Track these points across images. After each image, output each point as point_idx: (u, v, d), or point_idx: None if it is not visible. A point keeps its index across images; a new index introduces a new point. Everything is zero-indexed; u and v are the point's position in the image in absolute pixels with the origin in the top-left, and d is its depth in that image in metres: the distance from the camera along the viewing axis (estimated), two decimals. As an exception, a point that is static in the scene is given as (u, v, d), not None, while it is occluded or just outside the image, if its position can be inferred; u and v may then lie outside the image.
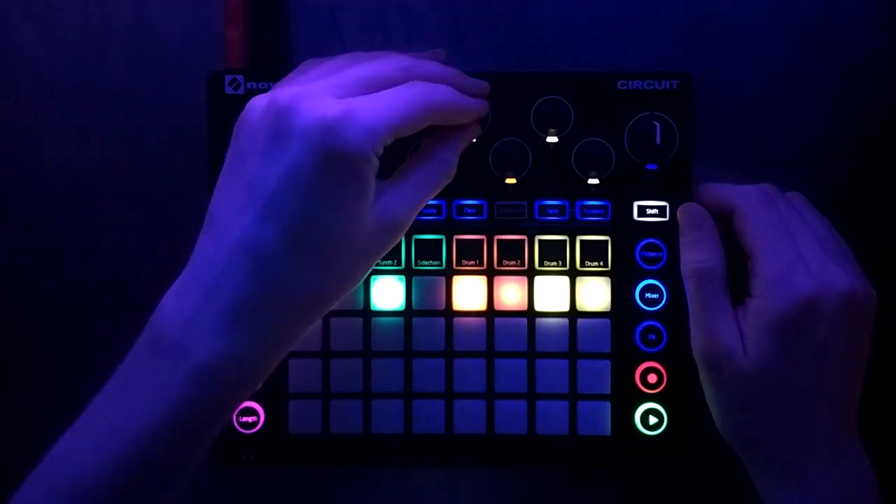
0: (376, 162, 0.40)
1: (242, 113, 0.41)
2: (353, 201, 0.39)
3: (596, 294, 0.49)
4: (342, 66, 0.43)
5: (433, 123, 0.42)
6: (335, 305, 0.41)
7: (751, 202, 0.46)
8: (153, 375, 0.38)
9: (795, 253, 0.44)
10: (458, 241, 0.49)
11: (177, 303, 0.39)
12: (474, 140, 0.47)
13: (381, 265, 0.49)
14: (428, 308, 0.49)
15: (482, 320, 0.49)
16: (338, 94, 0.40)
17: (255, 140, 0.40)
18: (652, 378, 0.49)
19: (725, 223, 0.47)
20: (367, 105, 0.39)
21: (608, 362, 0.49)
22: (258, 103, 0.40)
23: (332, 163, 0.38)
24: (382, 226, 0.41)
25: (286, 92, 0.40)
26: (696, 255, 0.46)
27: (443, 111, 0.42)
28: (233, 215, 0.39)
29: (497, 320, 0.49)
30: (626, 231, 0.49)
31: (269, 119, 0.39)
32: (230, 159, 0.41)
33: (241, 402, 0.41)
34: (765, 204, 0.46)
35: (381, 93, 0.40)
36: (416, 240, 0.49)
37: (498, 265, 0.49)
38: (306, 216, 0.38)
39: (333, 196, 0.39)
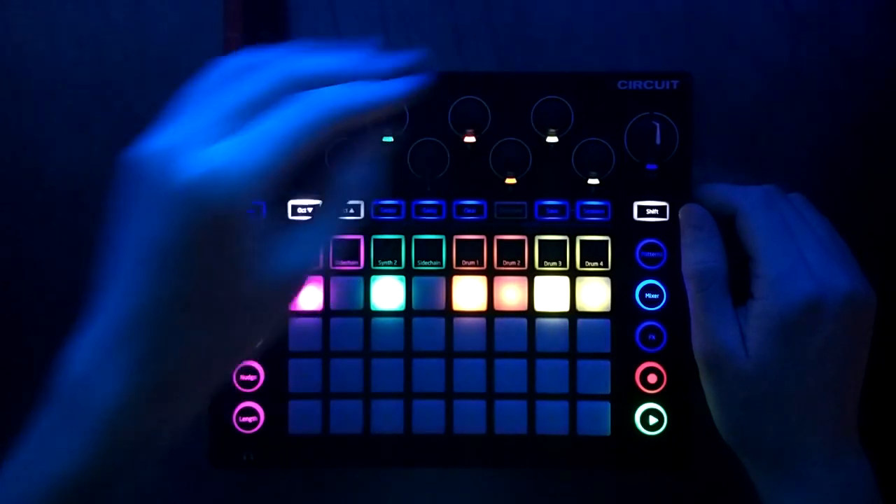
0: (258, 216, 0.37)
1: (120, 165, 0.38)
2: (233, 263, 0.36)
3: (596, 294, 0.49)
4: (221, 88, 0.38)
5: (342, 132, 0.37)
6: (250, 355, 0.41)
7: (753, 203, 0.46)
8: (54, 433, 0.37)
9: (797, 254, 0.44)
10: (458, 241, 0.49)
11: (79, 359, 0.37)
12: (391, 139, 0.47)
13: (381, 265, 0.49)
14: (428, 308, 0.49)
15: (482, 320, 0.49)
16: (208, 136, 0.35)
17: (128, 203, 0.37)
18: (652, 378, 0.49)
19: (727, 224, 0.47)
20: (235, 155, 0.35)
21: (608, 362, 0.49)
22: (129, 159, 0.37)
23: (201, 229, 0.35)
24: (276, 283, 0.38)
25: (151, 149, 0.36)
26: (698, 255, 0.46)
27: (344, 120, 0.36)
28: (118, 277, 0.37)
29: (497, 320, 0.49)
30: (626, 231, 0.49)
31: (135, 183, 0.36)
32: (113, 216, 0.38)
33: (153, 460, 0.39)
34: (767, 205, 0.46)
35: (256, 130, 0.35)
36: (416, 240, 0.49)
37: (498, 265, 0.49)
38: (186, 281, 0.36)
39: (209, 261, 0.36)
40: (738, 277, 0.46)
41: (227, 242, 0.35)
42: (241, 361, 0.41)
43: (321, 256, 0.43)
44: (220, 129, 0.36)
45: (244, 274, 0.37)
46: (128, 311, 0.36)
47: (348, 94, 0.37)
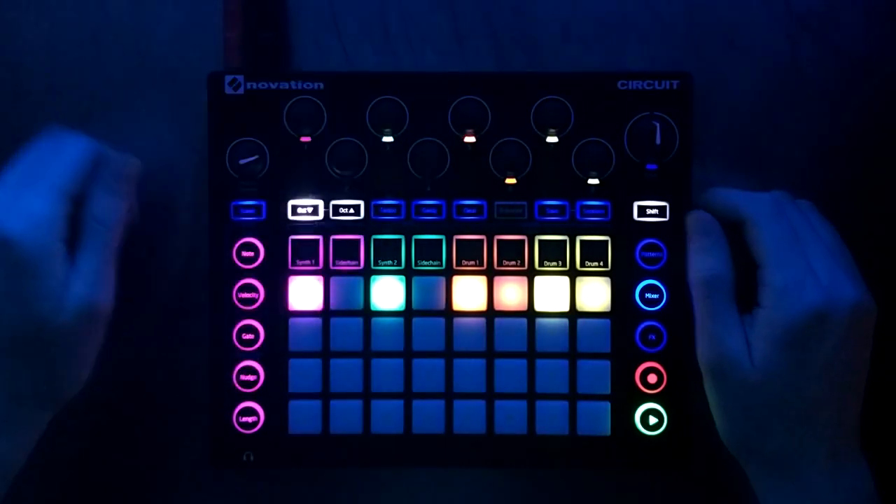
0: (58, 248, 0.43)
1: None
2: (32, 301, 0.42)
3: (596, 294, 0.49)
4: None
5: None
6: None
7: (762, 212, 0.46)
8: None
9: (805, 264, 0.44)
10: (458, 241, 0.49)
11: None
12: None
13: (381, 265, 0.49)
14: (428, 308, 0.49)
15: (482, 320, 0.49)
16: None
17: None
18: (652, 378, 0.49)
19: (735, 230, 0.47)
20: (28, 193, 0.42)
21: (608, 362, 0.49)
22: None
23: (14, 268, 0.42)
24: (75, 317, 0.43)
25: None
26: (705, 262, 0.46)
27: (83, 170, 0.45)
28: None
29: (497, 320, 0.49)
30: (626, 231, 0.49)
31: None
32: None
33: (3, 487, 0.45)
34: (776, 213, 0.46)
35: (27, 189, 0.43)
36: (416, 240, 0.49)
37: (498, 265, 0.49)
38: (3, 324, 0.42)
39: (22, 299, 0.42)
40: (745, 285, 0.46)
41: (30, 281, 0.42)
42: (66, 398, 0.46)
43: (111, 288, 0.46)
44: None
45: (44, 310, 0.42)
46: None
47: (77, 146, 0.46)
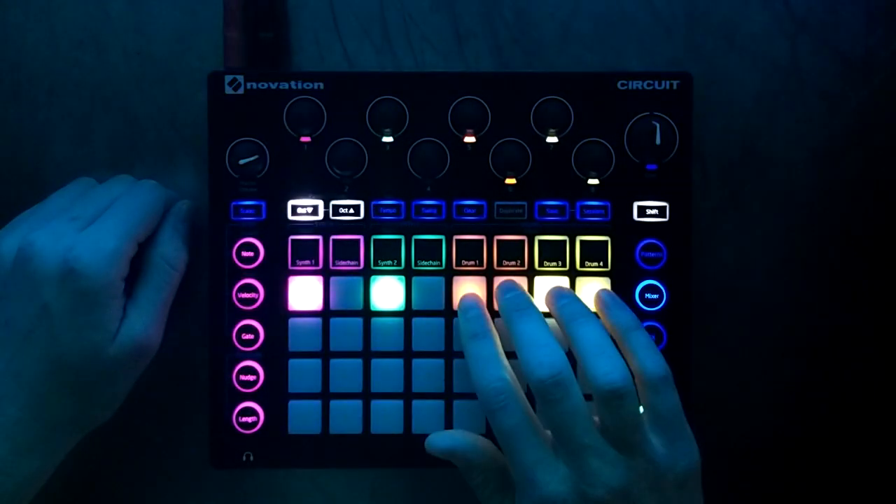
0: (120, 284, 0.45)
1: None
2: (95, 329, 0.44)
3: (596, 294, 0.49)
4: (71, 199, 0.48)
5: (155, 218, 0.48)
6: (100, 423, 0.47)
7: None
8: None
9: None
10: (458, 241, 0.49)
11: None
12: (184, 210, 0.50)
13: (380, 265, 0.49)
14: (428, 308, 0.49)
15: (482, 320, 0.49)
16: (66, 232, 0.44)
17: (7, 285, 0.45)
18: (652, 378, 0.48)
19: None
20: (91, 243, 0.44)
21: (608, 362, 0.49)
22: (5, 249, 0.45)
23: (69, 302, 0.43)
24: (125, 351, 0.45)
25: (32, 236, 0.44)
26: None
27: (157, 211, 0.48)
28: None
29: (497, 320, 0.49)
30: (626, 231, 0.49)
31: (18, 265, 0.44)
32: None
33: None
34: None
35: (102, 225, 0.45)
36: (416, 240, 0.49)
37: (498, 265, 0.49)
38: (57, 349, 0.44)
39: (79, 327, 0.44)
40: None
41: (90, 311, 0.44)
42: (98, 424, 0.47)
43: (162, 328, 0.48)
44: (73, 226, 0.45)
45: (96, 340, 0.44)
46: (4, 377, 0.44)
47: (153, 193, 0.49)
